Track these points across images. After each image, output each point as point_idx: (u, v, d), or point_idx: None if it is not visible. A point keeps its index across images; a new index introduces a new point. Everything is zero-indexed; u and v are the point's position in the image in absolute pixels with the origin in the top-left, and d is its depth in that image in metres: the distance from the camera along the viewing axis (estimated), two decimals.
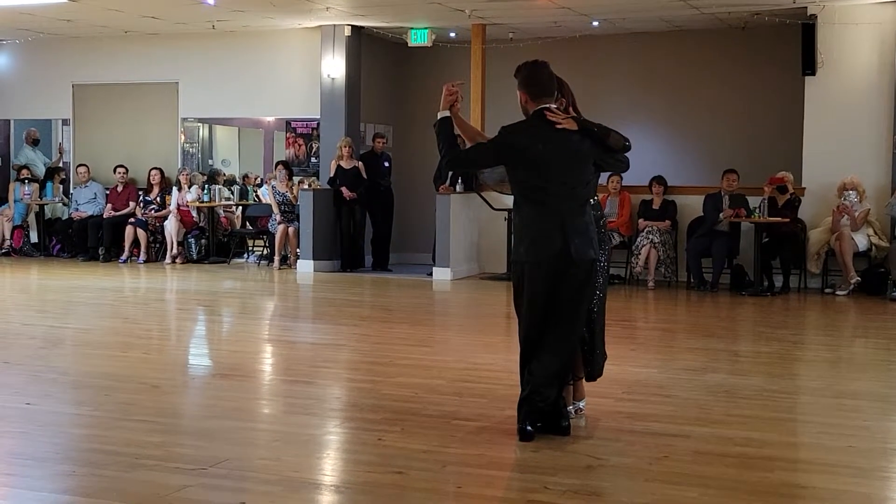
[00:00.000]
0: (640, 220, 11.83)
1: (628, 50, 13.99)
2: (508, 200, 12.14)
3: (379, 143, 13.57)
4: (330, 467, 4.48)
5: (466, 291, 11.36)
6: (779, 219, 10.87)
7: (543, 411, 4.73)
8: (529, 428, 4.67)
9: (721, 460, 4.44)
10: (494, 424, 5.03)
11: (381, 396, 5.68)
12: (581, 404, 5.15)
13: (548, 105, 4.83)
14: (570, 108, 5.05)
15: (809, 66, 11.41)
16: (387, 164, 13.58)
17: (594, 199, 5.13)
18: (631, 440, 4.75)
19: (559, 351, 4.77)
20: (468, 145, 5.20)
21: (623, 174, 11.94)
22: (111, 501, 3.79)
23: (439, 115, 4.96)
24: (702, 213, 11.50)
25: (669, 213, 11.78)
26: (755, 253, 10.96)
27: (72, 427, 5.03)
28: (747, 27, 12.83)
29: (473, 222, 12.67)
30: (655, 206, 11.83)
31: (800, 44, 11.49)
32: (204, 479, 4.07)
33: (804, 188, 11.45)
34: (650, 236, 11.53)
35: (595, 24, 12.84)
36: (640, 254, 11.54)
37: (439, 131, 4.95)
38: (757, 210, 10.93)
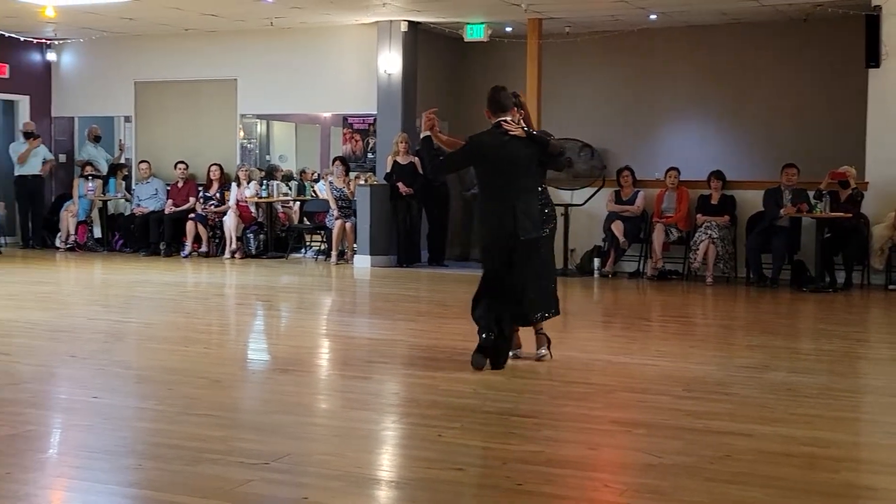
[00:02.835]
0: (699, 216, 11.71)
1: (687, 43, 13.85)
2: (565, 196, 12.15)
3: None
4: (390, 463, 4.51)
5: None
6: (841, 214, 10.69)
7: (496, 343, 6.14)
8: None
9: (785, 460, 4.38)
10: (553, 421, 5.02)
11: (439, 392, 5.70)
12: (519, 351, 6.54)
13: (504, 118, 6.24)
14: (523, 121, 6.44)
15: (873, 58, 11.19)
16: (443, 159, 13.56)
17: (541, 187, 6.56)
18: (691, 438, 4.71)
19: (510, 302, 6.24)
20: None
21: (679, 169, 12.01)
22: (177, 495, 3.84)
23: (421, 136, 6.50)
24: (761, 208, 11.35)
25: (728, 208, 11.64)
26: (816, 248, 10.79)
27: (137, 421, 5.13)
28: (809, 19, 12.61)
29: None
30: (714, 200, 11.70)
31: (863, 35, 11.27)
32: (266, 473, 4.12)
33: (867, 182, 11.23)
34: (708, 231, 11.41)
35: (653, 17, 12.73)
36: (698, 249, 11.43)
37: (422, 148, 6.52)
38: (819, 204, 10.74)
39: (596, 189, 12.11)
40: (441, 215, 13.51)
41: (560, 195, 12.26)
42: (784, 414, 5.26)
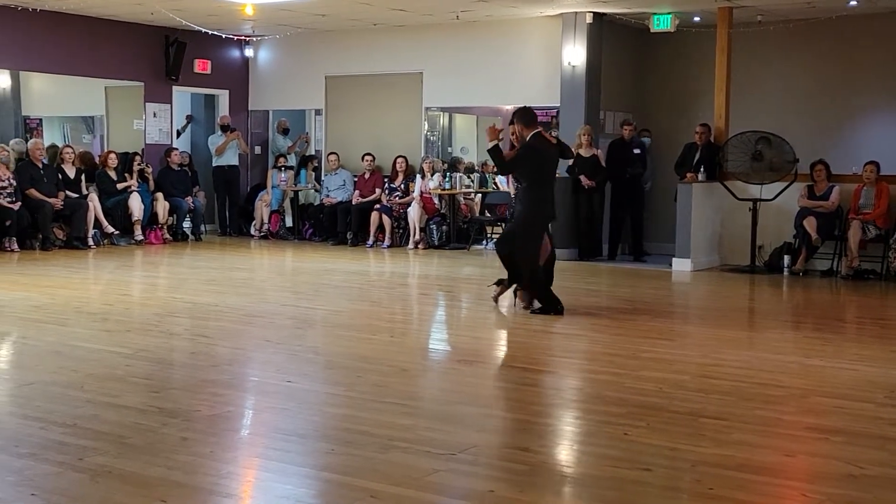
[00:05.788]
0: None
1: (890, 31, 13.08)
2: (754, 190, 11.75)
3: (627, 129, 13.32)
4: (574, 459, 4.49)
5: (707, 284, 11.05)
6: None
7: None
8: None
9: None
10: (744, 424, 4.86)
11: (624, 390, 5.63)
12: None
13: (539, 130, 8.42)
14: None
15: None
16: (637, 150, 13.29)
17: None
18: None
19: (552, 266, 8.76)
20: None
21: (879, 163, 11.39)
22: (368, 481, 3.94)
23: (490, 146, 8.36)
24: None
25: None
26: None
27: (328, 406, 5.30)
28: None
29: (717, 212, 12.29)
30: None
31: None
32: (452, 464, 4.17)
33: None
34: None
35: (853, 3, 12.10)
36: None
37: (493, 155, 8.40)
38: None
39: (787, 183, 11.66)
40: (635, 209, 13.26)
41: (749, 189, 11.88)
42: None
